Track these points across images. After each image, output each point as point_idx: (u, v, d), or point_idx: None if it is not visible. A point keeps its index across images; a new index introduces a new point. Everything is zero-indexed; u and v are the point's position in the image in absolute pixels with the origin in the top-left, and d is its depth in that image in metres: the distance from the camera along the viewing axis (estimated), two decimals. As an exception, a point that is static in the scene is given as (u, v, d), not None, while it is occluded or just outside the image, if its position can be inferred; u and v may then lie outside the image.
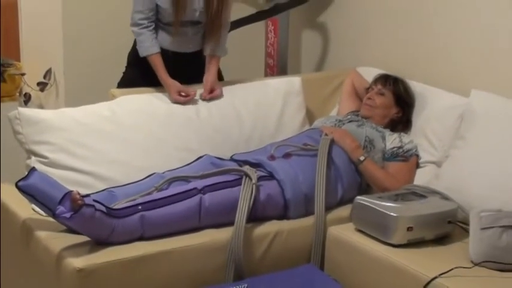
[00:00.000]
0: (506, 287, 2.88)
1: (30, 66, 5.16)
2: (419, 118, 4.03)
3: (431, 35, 4.24)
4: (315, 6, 4.91)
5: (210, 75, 4.09)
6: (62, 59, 4.75)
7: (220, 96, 4.08)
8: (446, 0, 4.13)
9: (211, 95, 4.05)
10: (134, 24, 3.95)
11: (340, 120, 4.03)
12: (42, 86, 4.95)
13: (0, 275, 3.72)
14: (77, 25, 4.69)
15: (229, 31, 4.29)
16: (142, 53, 3.97)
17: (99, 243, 3.11)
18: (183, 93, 3.94)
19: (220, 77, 4.32)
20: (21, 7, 5.22)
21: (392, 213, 3.20)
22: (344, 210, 3.55)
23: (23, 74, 5.15)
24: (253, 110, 4.12)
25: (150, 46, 3.94)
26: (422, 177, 3.81)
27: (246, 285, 3.12)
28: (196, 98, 4.01)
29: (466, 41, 4.04)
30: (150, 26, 3.95)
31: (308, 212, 3.54)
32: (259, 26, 5.01)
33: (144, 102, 3.91)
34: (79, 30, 4.70)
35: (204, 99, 4.04)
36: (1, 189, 3.56)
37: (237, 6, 4.73)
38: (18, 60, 5.29)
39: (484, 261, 3.01)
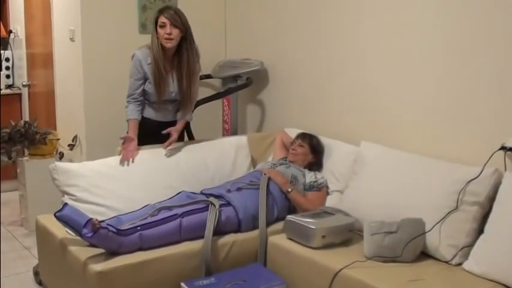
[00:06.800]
0: (388, 273, 2.88)
1: (63, 133, 5.12)
2: (328, 161, 4.01)
3: (333, 105, 4.25)
4: (255, 89, 4.92)
5: (175, 127, 4.01)
6: (84, 129, 4.72)
7: (174, 140, 3.98)
8: (346, 79, 4.15)
9: (170, 141, 3.95)
10: (126, 101, 3.96)
11: (274, 164, 4.01)
12: (71, 146, 4.92)
13: (43, 277, 3.66)
14: (94, 106, 4.68)
15: (198, 106, 4.33)
16: (126, 117, 3.96)
17: (111, 253, 3.07)
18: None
19: (190, 135, 4.43)
20: (57, 95, 5.25)
21: (311, 226, 3.19)
22: (279, 225, 3.50)
23: (58, 139, 5.11)
24: (215, 158, 4.08)
25: (131, 114, 3.93)
26: (330, 201, 3.79)
27: (213, 279, 3.09)
28: (175, 152, 3.96)
29: (357, 109, 4.06)
30: (136, 101, 3.94)
31: (255, 227, 3.50)
32: (218, 103, 5.01)
33: (141, 156, 3.86)
34: (95, 110, 4.69)
35: (164, 148, 3.95)
36: (45, 219, 3.53)
37: (202, 89, 4.75)
38: (55, 129, 5.26)
39: (373, 256, 3.01)
